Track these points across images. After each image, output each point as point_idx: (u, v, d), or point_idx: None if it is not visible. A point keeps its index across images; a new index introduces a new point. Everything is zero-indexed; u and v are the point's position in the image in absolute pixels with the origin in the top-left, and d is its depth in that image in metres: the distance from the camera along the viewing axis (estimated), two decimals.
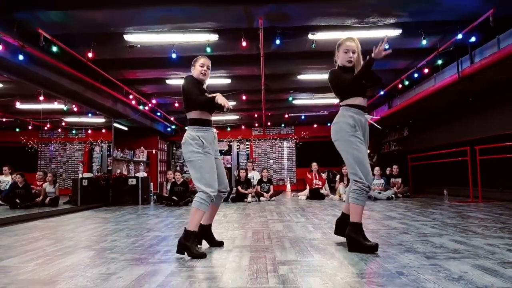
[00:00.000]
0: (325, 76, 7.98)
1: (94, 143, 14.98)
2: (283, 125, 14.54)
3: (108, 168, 11.32)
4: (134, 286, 1.99)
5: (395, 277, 2.02)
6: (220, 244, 3.07)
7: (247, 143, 15.03)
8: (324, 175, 9.19)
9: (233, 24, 5.24)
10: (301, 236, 3.50)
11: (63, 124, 12.46)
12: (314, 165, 8.96)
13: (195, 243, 2.73)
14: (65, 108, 8.69)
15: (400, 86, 8.01)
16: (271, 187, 8.85)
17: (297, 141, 14.79)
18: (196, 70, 2.99)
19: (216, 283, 2.02)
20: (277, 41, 5.29)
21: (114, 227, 4.47)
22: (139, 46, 5.57)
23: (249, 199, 8.29)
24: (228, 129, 14.27)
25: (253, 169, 10.29)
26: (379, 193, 8.05)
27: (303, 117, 12.29)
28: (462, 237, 3.20)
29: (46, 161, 14.97)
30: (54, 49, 5.03)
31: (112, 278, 2.14)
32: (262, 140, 14.96)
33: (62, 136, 14.94)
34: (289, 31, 5.30)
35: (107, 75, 6.75)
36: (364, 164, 2.77)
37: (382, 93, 8.86)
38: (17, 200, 7.71)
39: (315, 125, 14.12)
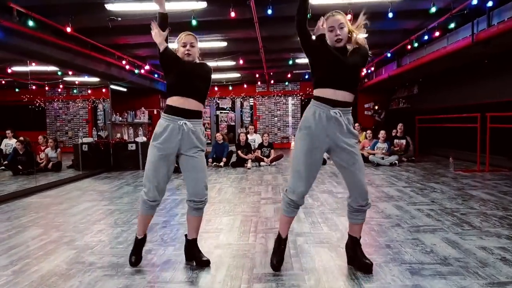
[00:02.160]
0: None
1: (97, 101, 14.87)
2: (287, 82, 14.05)
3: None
4: None
5: None
6: (204, 263, 2.54)
7: (250, 99, 14.70)
8: None
9: None
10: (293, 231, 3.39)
11: (61, 86, 12.21)
12: None
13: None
14: (59, 73, 8.42)
15: (409, 47, 7.45)
16: (272, 151, 8.71)
17: (302, 98, 14.39)
18: (179, 52, 2.51)
19: None
20: (269, 11, 4.81)
21: (106, 208, 4.44)
22: (119, 19, 5.15)
23: (249, 164, 8.20)
24: (230, 87, 13.88)
25: (254, 132, 10.11)
26: (382, 158, 7.87)
27: (307, 76, 11.80)
28: (456, 234, 3.05)
29: (52, 119, 15.02)
30: (30, 23, 4.68)
31: None
32: (266, 97, 14.58)
33: (65, 95, 14.80)
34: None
35: (95, 43, 6.39)
36: (300, 175, 2.29)
37: (389, 55, 8.31)
38: (19, 167, 7.77)
39: None
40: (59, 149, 8.63)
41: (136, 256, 2.58)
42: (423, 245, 2.80)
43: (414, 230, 3.20)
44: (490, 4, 5.02)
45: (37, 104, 14.33)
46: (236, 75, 12.31)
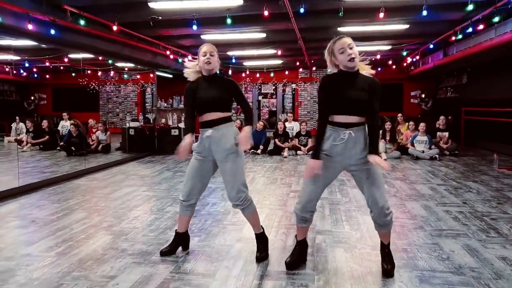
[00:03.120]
0: (368, 28, 7.33)
1: (145, 85, 15.59)
2: (329, 69, 13.76)
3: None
4: None
5: None
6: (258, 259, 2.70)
7: (293, 85, 14.63)
8: None
9: None
10: (314, 228, 3.50)
11: (112, 73, 12.91)
12: None
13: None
14: (110, 61, 8.95)
15: (453, 38, 7.04)
16: (309, 140, 8.73)
17: None
18: (200, 61, 2.68)
19: None
20: (301, 10, 4.77)
21: (144, 194, 4.80)
22: (160, 18, 5.38)
23: (286, 153, 8.31)
24: (272, 74, 13.88)
25: (293, 120, 10.15)
26: (422, 151, 7.61)
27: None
28: (479, 240, 3.00)
29: (104, 101, 16.02)
30: (82, 22, 5.08)
31: (109, 286, 2.35)
32: (308, 83, 14.43)
33: (117, 78, 15.66)
34: None
35: (141, 35, 6.73)
36: (303, 189, 2.51)
37: (432, 46, 7.88)
38: (73, 148, 8.45)
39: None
40: (108, 132, 9.26)
41: (168, 247, 2.86)
42: (440, 251, 2.80)
43: (436, 234, 3.18)
44: None
45: (91, 87, 15.33)
46: (277, 62, 12.30)
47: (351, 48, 2.32)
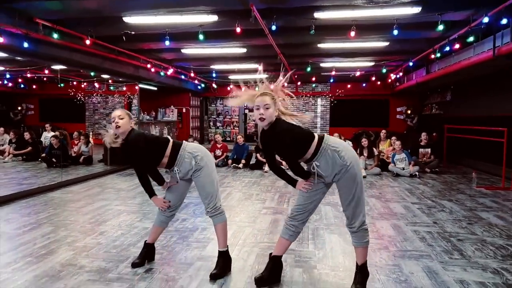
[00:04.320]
0: (348, 45, 7.45)
1: (131, 97, 15.57)
2: (313, 85, 13.97)
3: None
4: None
5: None
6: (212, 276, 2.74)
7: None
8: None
9: (227, 7, 4.87)
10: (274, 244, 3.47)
11: (96, 85, 12.89)
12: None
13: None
14: (92, 73, 8.93)
15: (432, 56, 7.18)
16: None
17: (332, 99, 14.20)
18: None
19: None
20: (273, 27, 4.84)
21: (116, 208, 4.74)
22: (133, 33, 5.42)
23: (266, 168, 8.29)
24: (257, 88, 13.94)
25: None
26: (402, 169, 7.64)
27: (332, 80, 11.68)
28: (441, 262, 2.99)
29: (91, 112, 15.93)
30: (55, 36, 5.08)
31: None
32: (295, 98, 14.46)
33: (104, 89, 15.62)
34: (290, 12, 4.80)
35: (120, 49, 6.74)
36: (297, 199, 2.65)
37: (411, 64, 8.03)
38: (53, 160, 8.35)
39: (348, 86, 13.46)
40: (90, 144, 9.18)
41: (139, 258, 2.94)
42: (399, 273, 2.78)
43: (400, 255, 3.17)
44: (504, 21, 4.73)
45: (78, 98, 15.26)
46: (263, 76, 12.38)
47: (266, 109, 2.38)
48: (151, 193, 2.86)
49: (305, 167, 2.55)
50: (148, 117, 9.51)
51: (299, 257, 3.12)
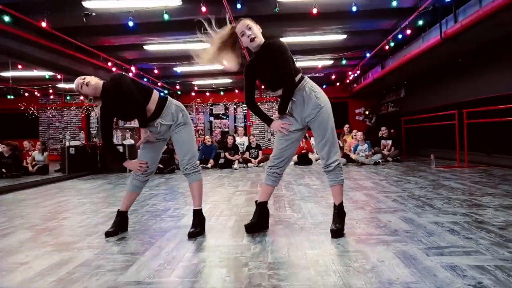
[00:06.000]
0: (309, 38, 7.66)
1: (90, 109, 14.94)
2: None
3: None
4: (34, 279, 1.93)
5: (301, 268, 1.91)
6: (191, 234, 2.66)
7: (244, 106, 14.78)
8: (312, 140, 9.01)
9: None
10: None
11: (50, 91, 12.27)
12: None
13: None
14: (47, 76, 8.50)
15: (387, 47, 7.56)
16: (260, 152, 8.75)
17: None
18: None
19: (107, 275, 1.94)
20: (238, 5, 4.90)
21: (78, 201, 4.46)
22: (94, 14, 5.24)
23: (236, 165, 8.23)
24: (221, 93, 14.01)
25: (244, 135, 10.15)
26: (366, 158, 7.87)
27: None
28: (415, 213, 3.06)
29: (45, 127, 15.09)
30: (6, 18, 4.76)
31: (20, 269, 2.08)
32: (259, 103, 14.57)
33: (59, 102, 14.91)
34: None
35: (78, 43, 6.47)
36: (274, 147, 2.67)
37: (368, 55, 8.41)
38: (3, 170, 7.76)
39: None
40: (46, 153, 8.66)
41: (113, 227, 2.78)
42: (378, 222, 2.81)
43: (375, 211, 3.21)
44: None
45: (30, 112, 14.43)
46: (227, 80, 12.41)
47: (249, 29, 2.40)
48: (122, 157, 2.75)
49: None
50: None
51: (279, 218, 3.07)
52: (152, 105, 2.65)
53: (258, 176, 6.36)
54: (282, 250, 2.22)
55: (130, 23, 5.15)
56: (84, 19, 5.23)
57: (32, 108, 14.39)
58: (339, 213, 2.56)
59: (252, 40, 2.40)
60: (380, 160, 7.80)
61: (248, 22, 2.43)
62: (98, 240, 2.63)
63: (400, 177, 5.49)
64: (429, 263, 1.89)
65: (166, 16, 5.15)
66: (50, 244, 2.57)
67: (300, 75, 2.50)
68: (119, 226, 2.81)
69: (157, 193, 4.82)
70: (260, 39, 2.45)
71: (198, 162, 2.82)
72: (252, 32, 2.40)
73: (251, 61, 2.55)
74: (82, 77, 2.66)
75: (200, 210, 2.76)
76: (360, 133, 8.18)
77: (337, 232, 2.45)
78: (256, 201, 2.75)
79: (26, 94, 13.51)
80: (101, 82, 2.65)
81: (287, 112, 2.52)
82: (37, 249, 2.47)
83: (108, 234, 2.72)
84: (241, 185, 5.35)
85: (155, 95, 2.70)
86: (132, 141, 8.89)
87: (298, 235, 2.53)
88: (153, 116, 2.68)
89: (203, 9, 4.94)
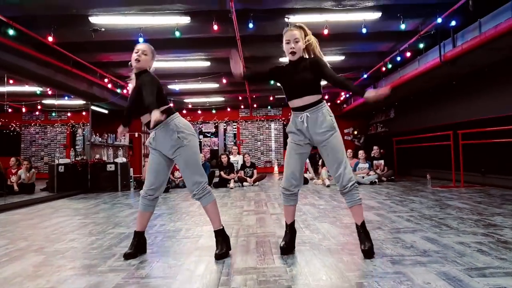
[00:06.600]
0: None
1: (76, 126, 14.60)
2: (269, 106, 14.33)
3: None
4: None
5: None
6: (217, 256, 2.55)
7: (234, 124, 14.79)
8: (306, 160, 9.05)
9: (204, 6, 4.89)
10: (275, 234, 3.34)
11: (39, 107, 11.97)
12: None
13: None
14: (38, 92, 8.29)
15: (383, 69, 7.77)
16: (255, 171, 8.69)
17: (285, 123, 14.57)
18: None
19: None
20: (250, 25, 4.97)
21: (80, 222, 4.28)
22: (103, 29, 5.19)
23: (232, 184, 8.13)
24: (213, 111, 14.00)
25: (238, 153, 10.10)
26: (363, 177, 7.94)
27: (284, 103, 12.06)
28: (435, 233, 3.07)
29: (27, 144, 14.60)
30: (11, 32, 4.65)
31: None
32: (249, 122, 14.71)
33: (42, 119, 14.51)
34: (263, 14, 4.98)
35: (77, 58, 6.36)
36: (285, 167, 2.67)
37: (365, 76, 8.62)
38: None
39: None
40: (32, 170, 8.35)
41: (131, 249, 2.68)
42: (403, 242, 2.80)
43: (395, 231, 3.20)
44: (453, 23, 5.37)
45: (11, 129, 13.97)
46: (219, 98, 12.42)
47: (296, 42, 2.51)
48: (124, 123, 2.86)
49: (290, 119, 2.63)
50: (100, 139, 8.94)
51: (301, 240, 3.01)
52: (161, 108, 2.56)
53: (258, 196, 6.29)
54: (320, 273, 2.17)
55: (141, 40, 5.10)
56: (93, 34, 5.15)
57: (14, 125, 13.96)
58: (364, 232, 2.55)
59: (293, 53, 2.52)
60: (376, 180, 7.87)
61: (297, 36, 2.51)
62: (119, 263, 2.51)
63: (402, 197, 5.54)
64: (476, 285, 1.88)
65: (177, 33, 5.15)
66: (69, 268, 2.43)
67: (320, 96, 2.55)
68: (137, 247, 2.70)
69: (160, 213, 4.69)
70: (299, 55, 2.54)
71: (206, 183, 2.63)
72: (296, 46, 2.51)
73: (284, 66, 2.63)
74: (145, 50, 2.68)
75: (222, 229, 2.67)
76: (361, 152, 8.28)
77: (369, 251, 2.43)
78: (285, 222, 2.73)
79: (10, 110, 13.10)
80: (146, 67, 2.68)
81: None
82: (56, 273, 2.33)
83: (127, 256, 2.61)
84: (245, 205, 5.28)
85: (167, 107, 2.62)
86: (124, 160, 8.70)
87: (328, 257, 2.49)
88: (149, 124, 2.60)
89: (215, 27, 4.98)
